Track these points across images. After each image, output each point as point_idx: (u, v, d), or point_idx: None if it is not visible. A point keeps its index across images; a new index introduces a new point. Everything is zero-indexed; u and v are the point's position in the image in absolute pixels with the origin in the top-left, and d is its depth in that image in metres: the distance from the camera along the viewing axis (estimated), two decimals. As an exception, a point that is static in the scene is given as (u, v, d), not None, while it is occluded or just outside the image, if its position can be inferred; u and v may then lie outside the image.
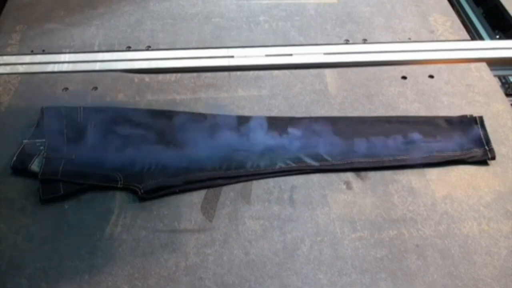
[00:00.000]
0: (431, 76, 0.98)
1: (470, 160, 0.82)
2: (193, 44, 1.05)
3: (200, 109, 0.88)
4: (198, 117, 0.86)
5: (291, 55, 1.01)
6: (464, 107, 0.91)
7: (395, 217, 0.74)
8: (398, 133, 0.85)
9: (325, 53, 1.02)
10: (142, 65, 0.97)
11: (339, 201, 0.76)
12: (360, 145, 0.83)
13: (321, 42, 1.06)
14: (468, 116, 0.88)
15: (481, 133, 0.85)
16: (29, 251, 0.68)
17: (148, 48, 1.03)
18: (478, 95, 0.94)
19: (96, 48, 1.03)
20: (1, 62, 0.97)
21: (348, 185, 0.78)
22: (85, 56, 0.99)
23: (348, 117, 0.88)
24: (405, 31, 1.11)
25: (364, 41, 1.07)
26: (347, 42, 1.07)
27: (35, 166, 0.76)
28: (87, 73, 0.95)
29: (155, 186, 0.75)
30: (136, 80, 0.94)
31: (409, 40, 1.08)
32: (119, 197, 0.75)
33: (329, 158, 0.81)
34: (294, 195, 0.77)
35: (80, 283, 0.65)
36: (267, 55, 1.01)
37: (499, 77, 1.04)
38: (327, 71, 0.98)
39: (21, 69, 0.96)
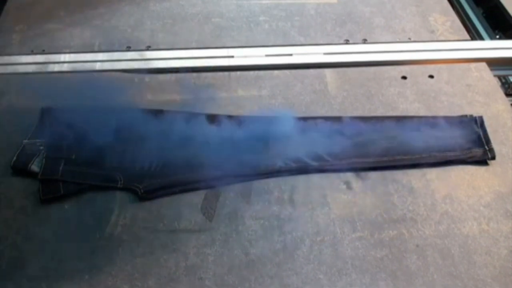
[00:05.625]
0: (431, 76, 0.98)
1: (470, 160, 0.82)
2: (193, 44, 1.05)
3: (201, 109, 0.88)
4: (198, 117, 0.86)
5: (291, 55, 1.01)
6: (464, 107, 0.91)
7: (395, 217, 0.74)
8: (398, 133, 0.85)
9: (325, 53, 1.02)
10: (142, 65, 0.97)
11: (339, 201, 0.76)
12: (360, 145, 0.83)
13: (321, 42, 1.06)
14: (468, 116, 0.88)
15: (481, 133, 0.85)
16: (29, 251, 0.68)
17: (148, 48, 1.03)
18: (478, 95, 0.94)
19: (96, 48, 1.03)
20: (1, 62, 0.97)
21: (348, 185, 0.78)
22: (85, 56, 0.99)
23: (347, 117, 0.88)
24: (405, 31, 1.11)
25: (364, 41, 1.07)
26: (347, 42, 1.07)
27: (35, 166, 0.76)
28: (87, 73, 0.95)
29: (155, 186, 0.75)
30: (136, 80, 0.94)
31: (409, 40, 1.08)
32: (119, 197, 0.75)
33: (329, 158, 0.81)
34: (294, 195, 0.77)
35: (80, 283, 0.65)
36: (267, 55, 1.01)
37: (499, 77, 1.04)
38: (327, 71, 0.98)
39: (21, 69, 0.96)
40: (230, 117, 0.86)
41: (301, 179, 0.79)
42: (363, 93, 0.94)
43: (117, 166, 0.77)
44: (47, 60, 0.98)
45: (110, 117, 0.83)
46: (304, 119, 0.87)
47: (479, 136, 0.84)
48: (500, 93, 0.95)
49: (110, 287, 0.65)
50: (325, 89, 0.94)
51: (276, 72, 0.97)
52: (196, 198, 0.76)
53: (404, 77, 0.97)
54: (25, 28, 1.07)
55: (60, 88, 0.90)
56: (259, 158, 0.80)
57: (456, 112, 0.90)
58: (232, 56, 1.00)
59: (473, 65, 1.00)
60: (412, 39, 1.08)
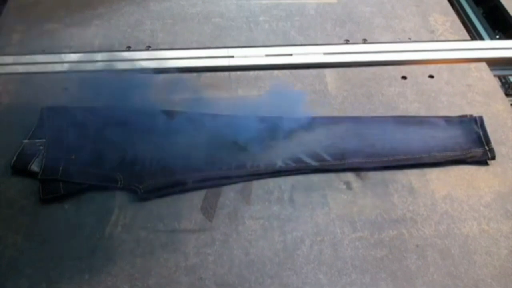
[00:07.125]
0: (431, 76, 0.98)
1: (470, 160, 0.82)
2: (193, 44, 1.05)
3: (200, 109, 0.88)
4: (198, 117, 0.86)
5: (291, 55, 1.01)
6: (464, 107, 0.91)
7: (395, 217, 0.74)
8: (398, 133, 0.85)
9: (325, 53, 1.02)
10: (142, 65, 0.97)
11: (339, 201, 0.76)
12: (360, 145, 0.83)
13: (321, 42, 1.06)
14: (468, 116, 0.88)
15: (481, 133, 0.85)
16: (29, 251, 0.68)
17: (148, 48, 1.03)
18: (478, 95, 0.94)
19: (96, 48, 1.03)
20: (1, 62, 0.97)
21: (348, 185, 0.78)
22: (85, 56, 0.99)
23: (347, 116, 0.88)
24: (405, 31, 1.11)
25: (364, 41, 1.07)
26: (347, 42, 1.07)
27: (35, 166, 0.76)
28: (87, 73, 0.95)
29: (155, 186, 0.75)
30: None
31: (409, 40, 1.08)
32: (119, 197, 0.75)
33: (329, 158, 0.81)
34: (294, 195, 0.77)
35: (80, 283, 0.65)
36: (267, 55, 1.01)
37: (499, 77, 1.04)
38: (327, 71, 0.98)
39: (21, 69, 0.96)
40: (231, 116, 0.86)
41: (301, 179, 0.79)
42: (363, 93, 0.94)
43: (117, 166, 0.77)
44: (47, 60, 0.98)
45: (110, 116, 0.83)
46: (304, 118, 0.87)
47: (479, 136, 0.84)
48: (500, 93, 0.95)
49: (110, 287, 0.65)
50: (325, 89, 0.94)
51: (276, 72, 0.97)
52: (196, 198, 0.76)
53: (404, 77, 0.97)
54: (25, 28, 1.07)
55: (60, 88, 0.91)
56: (259, 158, 0.80)
57: (456, 112, 0.90)
58: (232, 56, 1.00)
59: (473, 65, 1.00)
60: (412, 39, 1.08)
